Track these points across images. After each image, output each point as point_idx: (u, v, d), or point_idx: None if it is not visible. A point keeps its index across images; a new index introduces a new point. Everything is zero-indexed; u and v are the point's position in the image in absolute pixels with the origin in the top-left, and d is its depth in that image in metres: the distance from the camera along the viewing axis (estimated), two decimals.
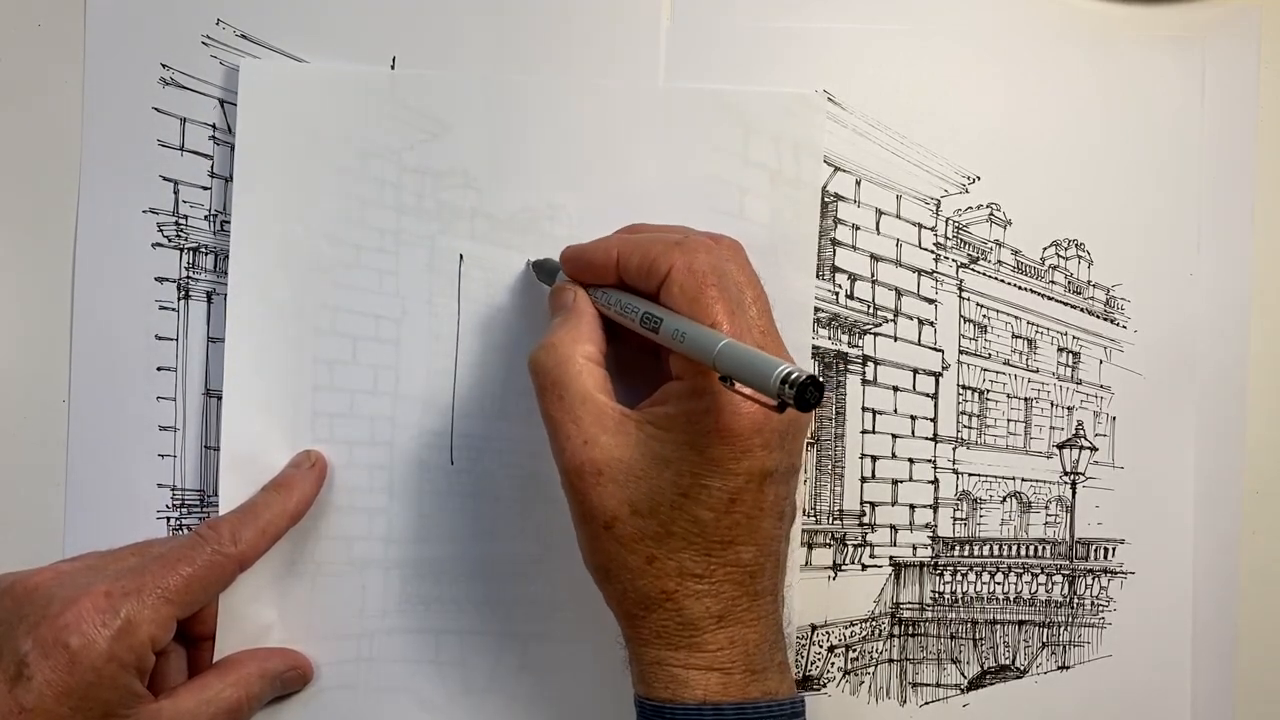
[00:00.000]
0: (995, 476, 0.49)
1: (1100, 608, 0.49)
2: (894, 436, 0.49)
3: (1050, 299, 0.50)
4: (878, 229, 0.49)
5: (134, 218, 0.46)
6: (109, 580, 0.38)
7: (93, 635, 0.37)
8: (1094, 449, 0.49)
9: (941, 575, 0.49)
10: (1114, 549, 0.49)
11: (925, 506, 0.49)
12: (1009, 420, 0.50)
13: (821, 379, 0.33)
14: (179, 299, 0.47)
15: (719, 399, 0.36)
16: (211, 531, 0.41)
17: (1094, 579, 0.49)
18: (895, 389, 0.49)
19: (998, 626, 0.49)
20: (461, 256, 0.46)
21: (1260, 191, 0.49)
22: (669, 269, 0.38)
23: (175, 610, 0.39)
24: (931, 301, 0.49)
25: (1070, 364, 0.50)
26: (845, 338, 0.48)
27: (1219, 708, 0.49)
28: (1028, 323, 0.50)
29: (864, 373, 0.48)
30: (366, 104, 0.46)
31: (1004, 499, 0.50)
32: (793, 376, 0.31)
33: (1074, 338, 0.50)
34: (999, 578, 0.50)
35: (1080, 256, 0.49)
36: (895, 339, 0.49)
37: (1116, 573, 0.49)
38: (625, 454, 0.37)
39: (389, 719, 0.46)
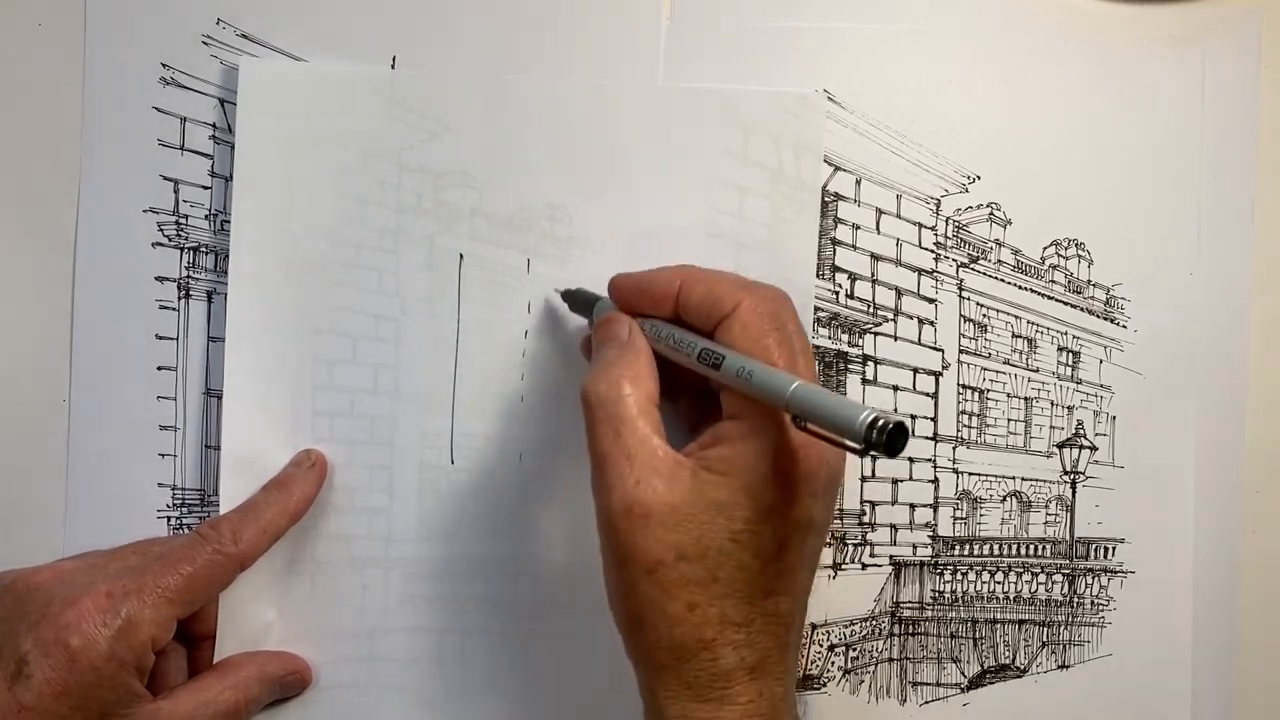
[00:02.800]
0: (995, 476, 0.49)
1: (1100, 607, 0.49)
2: None
3: (1050, 298, 0.50)
4: (878, 229, 0.49)
5: (134, 217, 0.46)
6: (110, 580, 0.38)
7: (93, 634, 0.37)
8: (1094, 448, 0.49)
9: (941, 574, 0.49)
10: (1114, 548, 0.49)
11: (925, 506, 0.49)
12: (1009, 420, 0.50)
13: (907, 425, 0.32)
14: (179, 299, 0.47)
15: (780, 443, 0.35)
16: (212, 531, 0.41)
17: (1094, 578, 0.49)
18: (895, 389, 0.49)
19: (998, 626, 0.49)
20: (461, 256, 0.46)
21: (1260, 191, 0.49)
22: (735, 307, 0.37)
23: (176, 610, 0.39)
24: (931, 301, 0.49)
25: (1070, 363, 0.50)
26: (845, 337, 0.48)
27: (1219, 708, 0.49)
28: (1028, 322, 0.50)
29: (864, 372, 0.48)
30: (366, 104, 0.46)
31: (1004, 498, 0.50)
32: (880, 422, 0.30)
33: (1074, 337, 0.50)
34: (999, 577, 0.50)
35: (1080, 256, 0.49)
36: (895, 338, 0.49)
37: (1116, 572, 0.49)
38: (676, 498, 0.35)
39: (389, 718, 0.46)
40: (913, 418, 0.49)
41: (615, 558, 0.36)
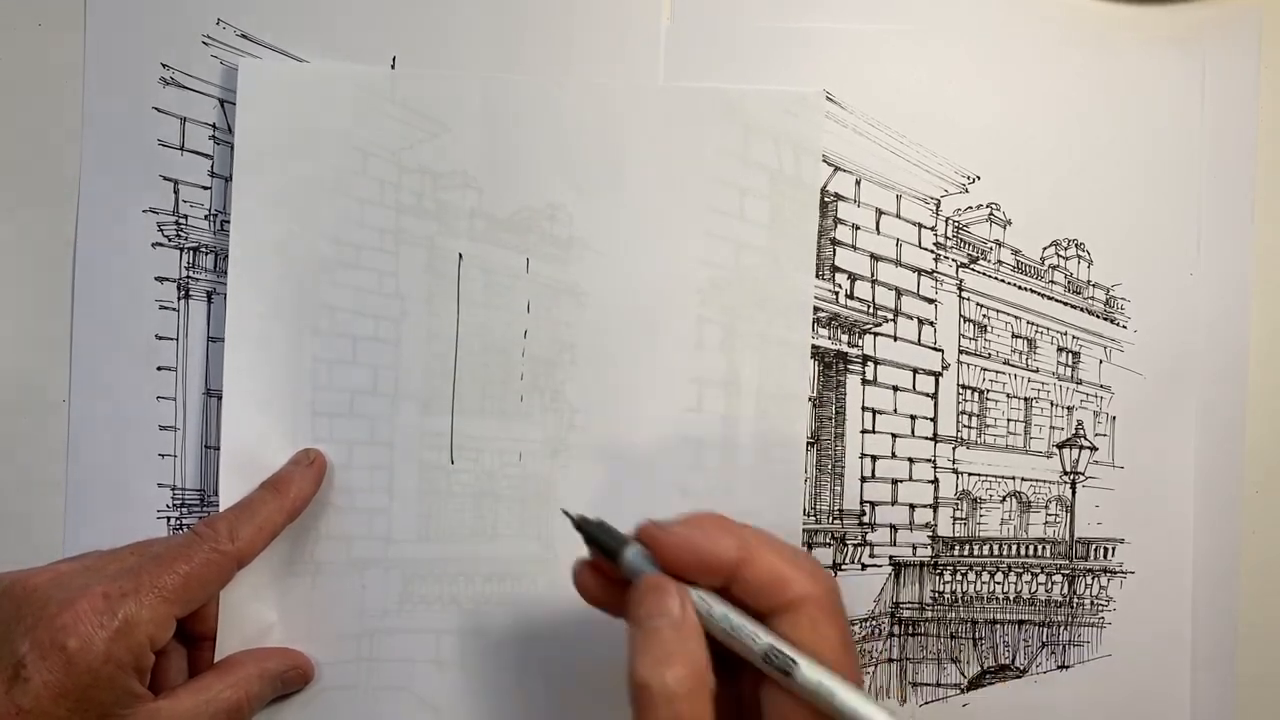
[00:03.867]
0: (995, 476, 0.49)
1: (1100, 607, 0.49)
2: (894, 436, 0.49)
3: (1050, 299, 0.50)
4: (878, 229, 0.49)
5: (134, 218, 0.46)
6: (107, 581, 0.38)
7: (90, 636, 0.37)
8: (1094, 449, 0.49)
9: (941, 575, 0.49)
10: (1114, 549, 0.49)
11: (925, 506, 0.49)
12: (1009, 420, 0.50)
13: None
14: (179, 299, 0.47)
15: None
16: (208, 529, 0.41)
17: (1094, 579, 0.49)
18: (895, 389, 0.49)
19: (997, 626, 0.49)
20: (461, 256, 0.46)
21: (1260, 191, 0.49)
22: (804, 597, 0.34)
23: (173, 609, 0.39)
24: (931, 301, 0.49)
25: (1070, 364, 0.50)
26: (845, 337, 0.48)
27: (1219, 708, 0.49)
28: (1028, 322, 0.50)
29: (864, 372, 0.48)
30: (366, 104, 0.46)
31: (1004, 499, 0.50)
32: None
33: (1074, 337, 0.50)
34: (999, 577, 0.50)
35: (1080, 256, 0.49)
36: (895, 339, 0.49)
37: (1116, 572, 0.49)
38: None
39: (389, 719, 0.46)
40: (912, 418, 0.49)
41: None
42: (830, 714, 0.32)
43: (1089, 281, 0.49)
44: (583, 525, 0.37)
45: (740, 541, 0.35)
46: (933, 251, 0.49)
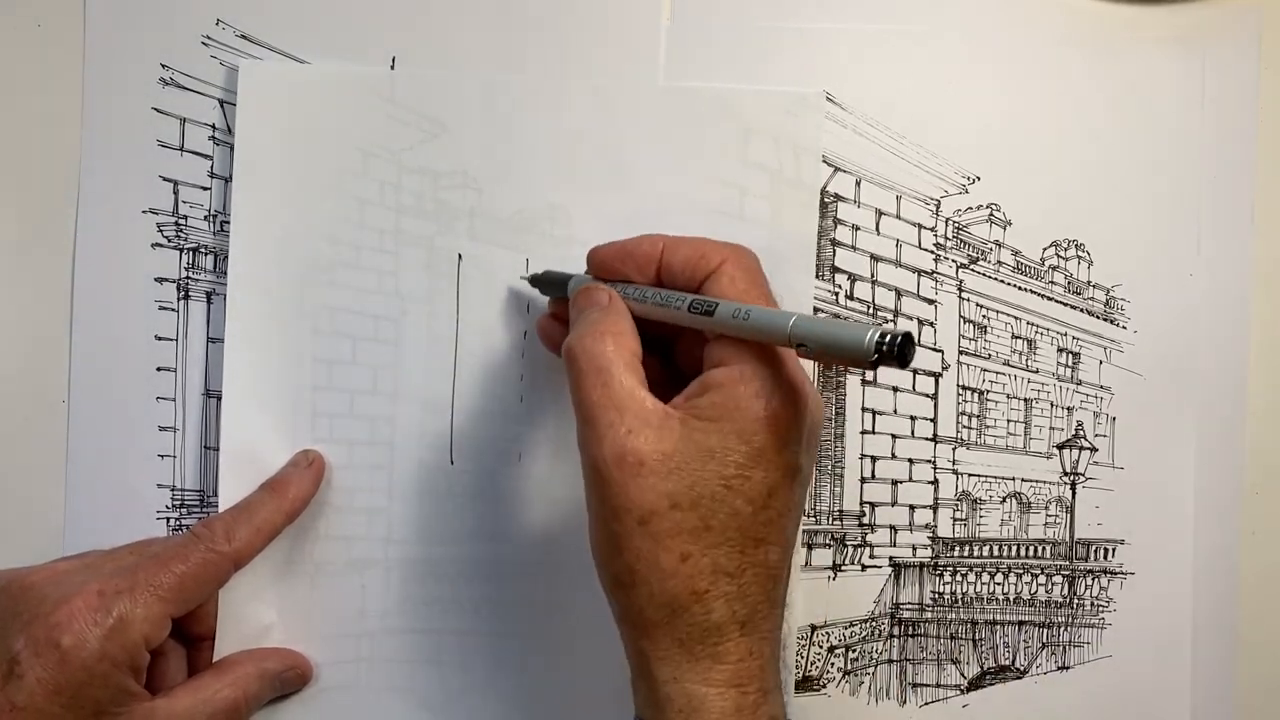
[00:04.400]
0: (995, 477, 0.49)
1: (1100, 608, 0.49)
2: (894, 437, 0.49)
3: (1050, 299, 0.50)
4: (878, 229, 0.49)
5: (134, 218, 0.46)
6: (102, 579, 0.38)
7: (84, 634, 0.37)
8: (1094, 449, 0.49)
9: (941, 575, 0.49)
10: (1114, 549, 0.49)
11: (925, 507, 0.49)
12: (1009, 420, 0.50)
13: (914, 334, 0.33)
14: (179, 299, 0.47)
15: (771, 385, 0.36)
16: (205, 530, 0.41)
17: (1094, 579, 0.49)
18: (895, 389, 0.49)
19: (998, 627, 0.49)
20: (460, 256, 0.46)
21: (1260, 191, 0.49)
22: (722, 261, 0.38)
23: (169, 608, 0.39)
24: (931, 302, 0.49)
25: (1070, 364, 0.50)
26: None
27: (1219, 708, 0.49)
28: (1028, 323, 0.50)
29: (863, 373, 0.48)
30: (366, 104, 0.46)
31: (1004, 499, 0.49)
32: (889, 335, 0.31)
33: (1074, 338, 0.50)
34: (999, 578, 0.49)
35: (1080, 257, 0.49)
36: None
37: (1116, 573, 0.49)
38: (668, 446, 0.35)
39: (389, 719, 0.46)
40: (912, 419, 0.49)
41: (606, 510, 0.36)
42: (751, 334, 0.36)
43: (1089, 282, 0.49)
44: (536, 279, 0.45)
45: (661, 237, 0.40)
46: (933, 252, 0.49)
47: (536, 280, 0.45)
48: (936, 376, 0.49)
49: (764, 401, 0.36)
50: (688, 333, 0.40)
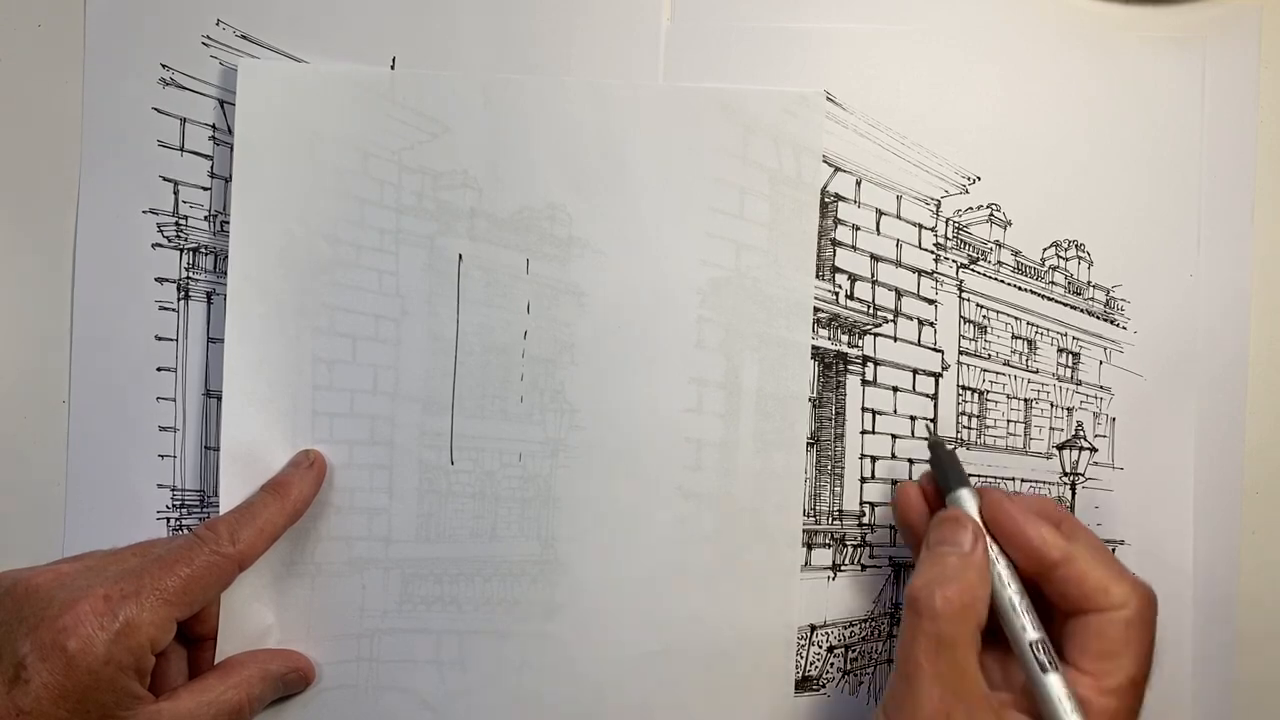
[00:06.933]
0: (995, 477, 0.49)
1: None
2: (894, 437, 0.49)
3: (1050, 299, 0.50)
4: (878, 229, 0.49)
5: (134, 218, 0.46)
6: (108, 583, 0.38)
7: (90, 638, 0.37)
8: (1094, 450, 0.49)
9: None
10: (1114, 549, 0.49)
11: None
12: (1009, 421, 0.50)
13: None
14: (179, 299, 0.47)
15: None
16: (209, 532, 0.41)
17: None
18: (895, 389, 0.49)
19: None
20: (461, 256, 0.46)
21: (1260, 191, 0.49)
22: (1117, 605, 0.37)
23: (174, 611, 0.39)
24: (931, 302, 0.49)
25: (1070, 364, 0.50)
26: (845, 338, 0.48)
27: (1219, 708, 0.49)
28: (1028, 323, 0.50)
29: (864, 373, 0.48)
30: (366, 104, 0.46)
31: None
32: None
33: (1074, 338, 0.50)
34: None
35: (1080, 257, 0.49)
36: (895, 339, 0.49)
37: None
38: None
39: (389, 719, 0.46)
40: (912, 419, 0.49)
41: None
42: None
43: (1089, 282, 0.49)
44: (936, 446, 0.43)
45: (1065, 543, 0.38)
46: (933, 252, 0.49)
47: (937, 449, 0.43)
48: (937, 377, 0.49)
49: None
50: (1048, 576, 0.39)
